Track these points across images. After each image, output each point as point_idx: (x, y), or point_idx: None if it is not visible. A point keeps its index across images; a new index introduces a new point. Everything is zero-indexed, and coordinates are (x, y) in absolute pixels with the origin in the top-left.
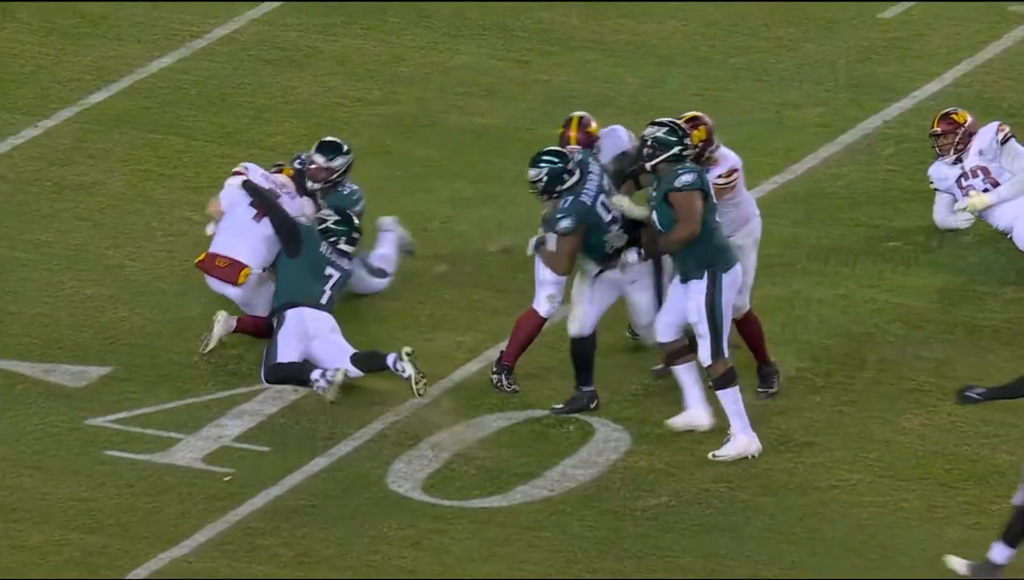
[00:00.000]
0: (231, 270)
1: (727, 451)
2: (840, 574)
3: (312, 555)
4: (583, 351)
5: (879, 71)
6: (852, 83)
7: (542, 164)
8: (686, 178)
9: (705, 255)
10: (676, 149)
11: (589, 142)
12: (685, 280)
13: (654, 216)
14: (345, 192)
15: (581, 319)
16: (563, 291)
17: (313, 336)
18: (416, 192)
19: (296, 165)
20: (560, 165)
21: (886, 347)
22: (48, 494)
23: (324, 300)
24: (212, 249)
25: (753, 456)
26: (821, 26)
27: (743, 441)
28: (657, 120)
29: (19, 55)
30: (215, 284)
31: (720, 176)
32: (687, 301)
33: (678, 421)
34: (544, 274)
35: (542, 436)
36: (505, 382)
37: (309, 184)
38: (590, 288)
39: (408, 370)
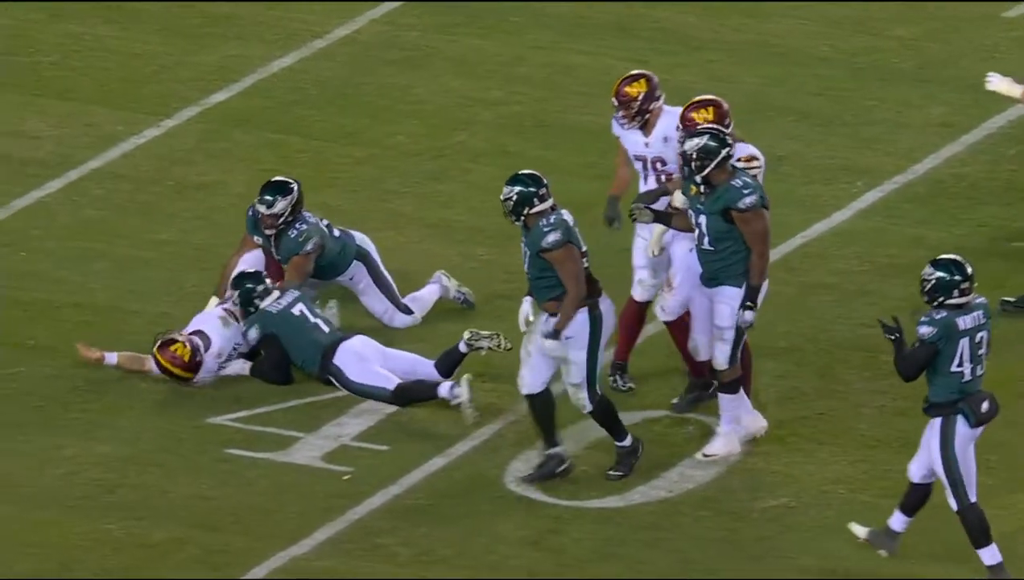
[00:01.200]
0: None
1: (717, 449)
2: (959, 575)
3: (430, 554)
4: (534, 410)
5: (1002, 70)
6: (975, 83)
7: (516, 184)
8: (750, 200)
9: (746, 265)
10: (724, 152)
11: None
12: (717, 284)
13: (702, 224)
14: (292, 235)
15: (524, 377)
16: (656, 274)
17: (371, 358)
18: None
19: (250, 215)
20: (532, 190)
21: (1009, 347)
22: (169, 492)
23: (328, 330)
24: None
25: (734, 455)
26: (944, 25)
27: (732, 439)
28: (692, 131)
29: (143, 55)
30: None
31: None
32: (717, 305)
33: (716, 449)
34: (637, 259)
35: (660, 436)
36: (620, 381)
37: (266, 232)
38: (531, 345)
39: (463, 395)
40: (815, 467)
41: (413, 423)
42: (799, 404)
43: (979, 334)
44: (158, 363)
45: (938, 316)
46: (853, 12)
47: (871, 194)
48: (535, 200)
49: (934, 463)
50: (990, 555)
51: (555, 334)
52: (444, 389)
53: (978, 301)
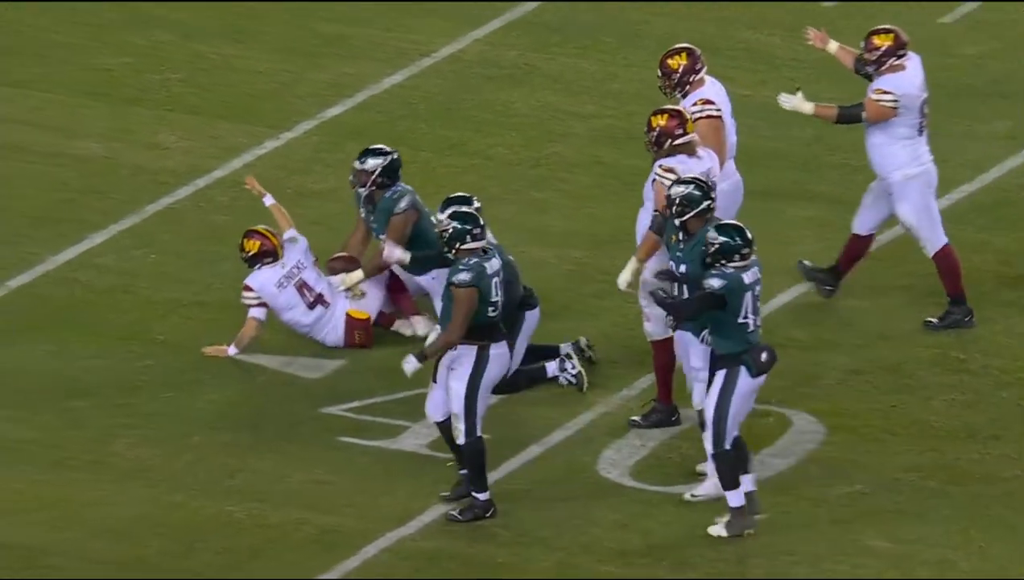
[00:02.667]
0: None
1: (708, 490)
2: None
3: (528, 535)
4: (442, 435)
5: None
6: None
7: (455, 219)
8: (714, 282)
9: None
10: (705, 204)
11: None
12: (702, 328)
13: (684, 272)
14: (387, 195)
15: (429, 401)
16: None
17: None
18: (627, 198)
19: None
20: (467, 228)
21: None
22: (287, 477)
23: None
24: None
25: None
26: (1009, 44)
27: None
28: (680, 178)
29: (264, 73)
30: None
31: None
32: (695, 345)
33: (707, 491)
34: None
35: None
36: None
37: (359, 190)
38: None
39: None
40: (887, 456)
41: (512, 414)
42: (872, 397)
43: (758, 288)
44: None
45: (728, 270)
46: (925, 32)
47: (940, 202)
48: (467, 237)
49: (706, 406)
50: (735, 498)
51: (419, 357)
52: (552, 367)
53: (754, 258)
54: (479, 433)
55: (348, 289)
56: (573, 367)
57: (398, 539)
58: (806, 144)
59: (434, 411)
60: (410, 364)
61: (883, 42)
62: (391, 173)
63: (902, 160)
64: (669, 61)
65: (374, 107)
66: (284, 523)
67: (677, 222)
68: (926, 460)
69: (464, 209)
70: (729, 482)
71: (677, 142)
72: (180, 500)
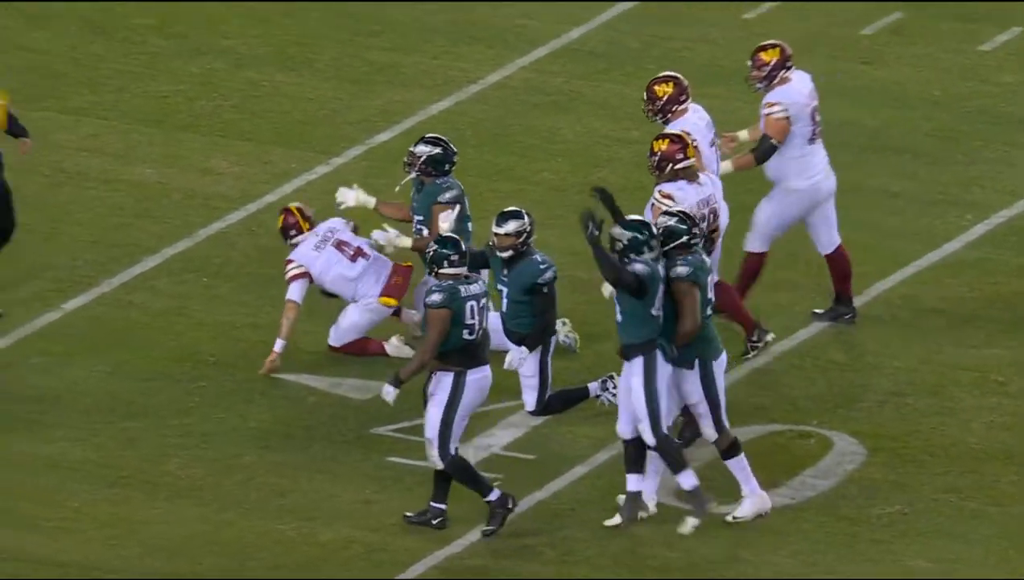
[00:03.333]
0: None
1: (745, 511)
2: None
3: (574, 554)
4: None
5: None
6: None
7: (437, 242)
8: (680, 269)
9: (696, 345)
10: (685, 238)
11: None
12: (678, 365)
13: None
14: (437, 182)
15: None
16: None
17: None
18: None
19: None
20: (446, 252)
21: None
22: (336, 496)
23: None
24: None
25: (767, 513)
26: None
27: (757, 500)
28: (668, 210)
29: (315, 100)
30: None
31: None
32: (684, 384)
33: (745, 512)
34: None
35: (783, 448)
36: (758, 339)
37: (406, 170)
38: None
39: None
40: (927, 477)
41: (556, 434)
42: (912, 419)
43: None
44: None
45: (646, 260)
46: (963, 60)
47: (979, 227)
48: (445, 262)
49: (635, 401)
50: (688, 480)
51: (394, 382)
52: (595, 387)
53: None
54: (453, 452)
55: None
56: (615, 387)
57: (445, 557)
58: (845, 169)
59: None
60: (388, 393)
61: (771, 57)
62: (436, 165)
63: (792, 172)
64: (656, 87)
65: (422, 133)
66: (333, 541)
67: (657, 252)
68: (965, 481)
69: (450, 235)
70: (677, 465)
71: (678, 167)
72: (232, 518)
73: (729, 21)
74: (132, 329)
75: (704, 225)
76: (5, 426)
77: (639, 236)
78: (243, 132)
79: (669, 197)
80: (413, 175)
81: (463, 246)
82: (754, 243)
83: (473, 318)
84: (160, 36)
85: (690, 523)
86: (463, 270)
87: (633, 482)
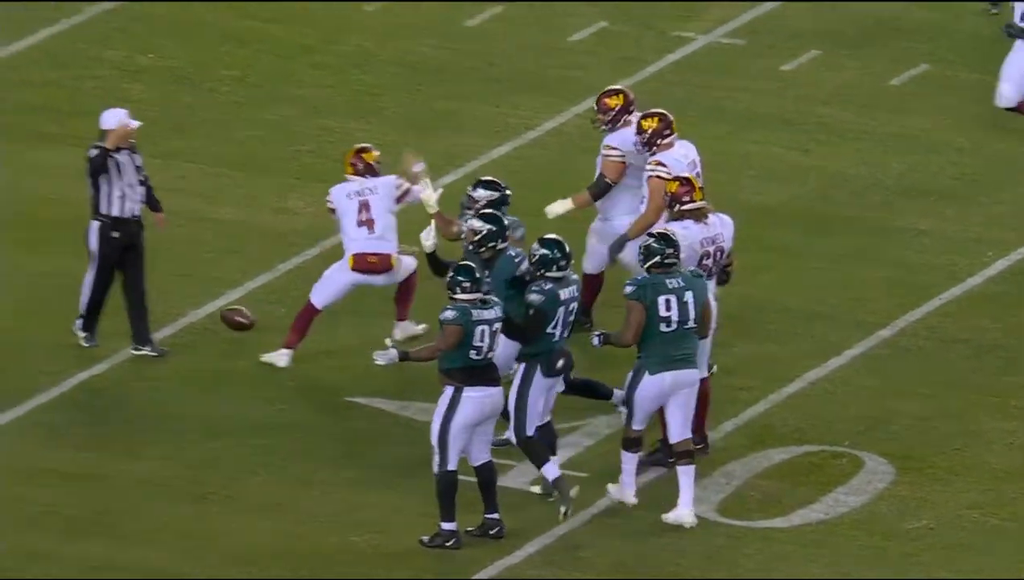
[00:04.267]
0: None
1: (676, 516)
2: None
3: (624, 565)
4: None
5: None
6: None
7: (455, 268)
8: (627, 288)
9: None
10: (658, 258)
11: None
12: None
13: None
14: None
15: None
16: None
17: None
18: None
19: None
20: (459, 279)
21: None
22: (404, 510)
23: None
24: (359, 250)
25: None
26: None
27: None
28: (651, 231)
29: (383, 145)
30: (368, 279)
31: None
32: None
33: (670, 516)
34: None
35: (817, 468)
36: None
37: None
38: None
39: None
40: (951, 494)
41: (611, 453)
42: (938, 441)
43: (572, 305)
44: None
45: (547, 286)
46: (984, 110)
47: (1000, 263)
48: (458, 289)
49: (510, 399)
50: (551, 470)
51: (401, 354)
52: (619, 395)
53: (573, 277)
54: (451, 467)
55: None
56: None
57: (505, 567)
58: (875, 209)
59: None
60: (386, 357)
61: (614, 103)
62: (494, 208)
63: (626, 208)
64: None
65: (483, 176)
66: (401, 552)
67: (643, 267)
68: (987, 499)
69: (465, 262)
70: (539, 460)
71: (685, 208)
72: (307, 531)
73: (769, 73)
74: (217, 356)
75: (710, 261)
76: (101, 445)
77: (550, 254)
78: (318, 174)
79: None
80: (469, 216)
81: (477, 273)
82: (589, 266)
83: (482, 341)
84: (242, 86)
85: (562, 507)
86: (477, 295)
87: (549, 470)
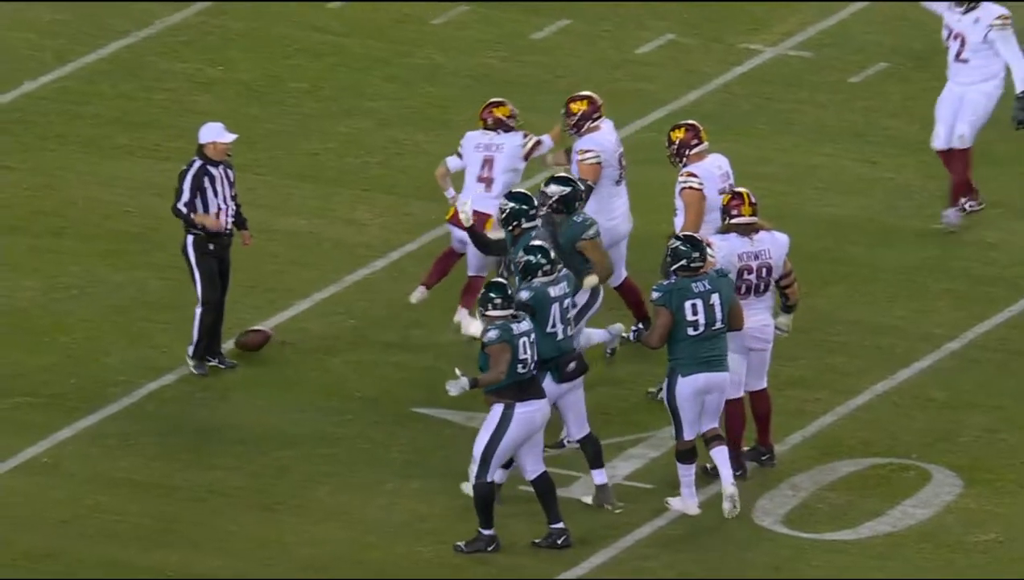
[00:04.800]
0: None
1: (675, 505)
2: None
3: (689, 576)
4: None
5: None
6: None
7: (484, 285)
8: (653, 294)
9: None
10: (684, 261)
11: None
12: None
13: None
14: (576, 218)
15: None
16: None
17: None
18: None
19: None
20: (490, 295)
21: None
22: (471, 520)
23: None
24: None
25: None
26: None
27: (688, 502)
28: (679, 234)
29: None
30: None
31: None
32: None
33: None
34: None
35: (885, 480)
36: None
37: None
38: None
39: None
40: (1020, 507)
41: (674, 466)
42: (1006, 453)
43: (567, 301)
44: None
45: (535, 284)
46: None
47: None
48: (489, 306)
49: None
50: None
51: (471, 382)
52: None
53: (563, 274)
54: (491, 478)
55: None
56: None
57: (573, 578)
58: (938, 222)
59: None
60: (457, 386)
61: (579, 108)
62: (567, 203)
63: (595, 212)
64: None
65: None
66: (468, 563)
67: (670, 270)
68: None
69: (499, 280)
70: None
71: (732, 221)
72: (375, 541)
73: (837, 85)
74: (285, 367)
75: (753, 277)
76: (170, 455)
77: (532, 259)
78: (386, 186)
79: (709, 245)
80: (543, 212)
81: (509, 290)
82: (616, 280)
83: (525, 353)
84: (311, 99)
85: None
86: (510, 311)
87: (599, 477)
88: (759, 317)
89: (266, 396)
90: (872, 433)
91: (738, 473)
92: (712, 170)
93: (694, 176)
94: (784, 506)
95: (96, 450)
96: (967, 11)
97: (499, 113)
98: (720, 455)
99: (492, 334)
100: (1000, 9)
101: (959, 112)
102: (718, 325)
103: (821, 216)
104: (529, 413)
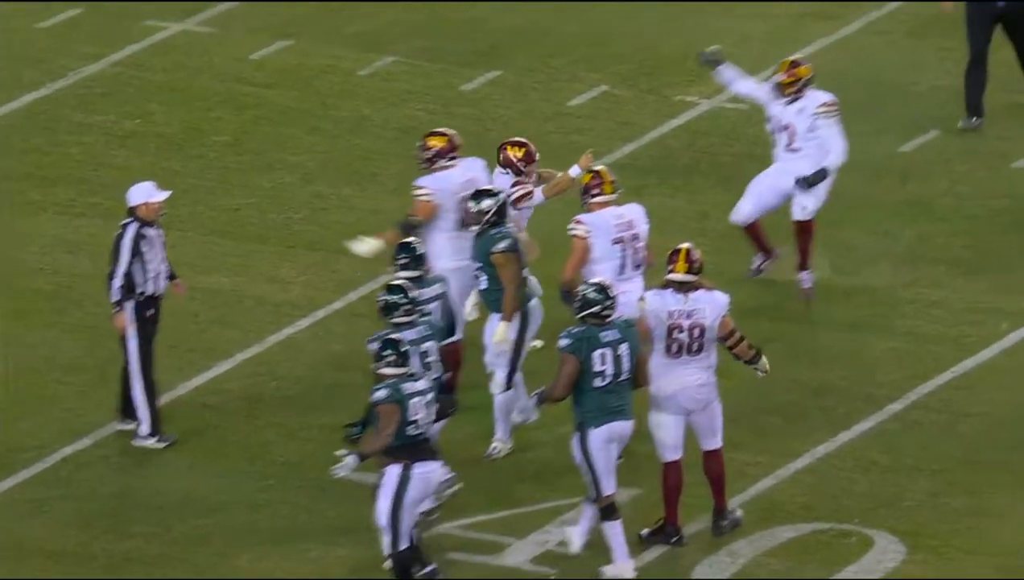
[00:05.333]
0: None
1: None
2: None
3: None
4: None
5: None
6: None
7: (380, 341)
8: (560, 341)
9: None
10: (596, 309)
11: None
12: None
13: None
14: (493, 232)
15: None
16: None
17: None
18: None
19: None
20: (386, 354)
21: None
22: None
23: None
24: None
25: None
26: None
27: (622, 567)
28: (591, 281)
29: (379, 211)
30: None
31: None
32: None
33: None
34: None
35: (826, 545)
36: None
37: (471, 229)
38: None
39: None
40: (965, 574)
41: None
42: (950, 518)
43: (424, 345)
44: None
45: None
46: (997, 177)
47: (1014, 335)
48: (383, 364)
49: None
50: None
51: (359, 455)
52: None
53: (423, 319)
54: (405, 544)
55: None
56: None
57: None
58: (882, 279)
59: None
60: (344, 467)
61: (435, 143)
62: (502, 213)
63: (446, 252)
64: (509, 151)
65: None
66: None
67: (577, 317)
68: (1003, 576)
69: (391, 336)
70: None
71: (669, 277)
72: None
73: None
74: (206, 430)
75: (684, 336)
76: (86, 523)
77: (390, 298)
78: (311, 242)
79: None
80: (477, 230)
81: (403, 346)
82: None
83: (417, 414)
84: (233, 152)
85: None
86: (405, 370)
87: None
88: (695, 377)
89: (186, 460)
90: (813, 497)
91: (673, 540)
92: (607, 220)
93: (581, 223)
94: (723, 572)
95: (7, 518)
96: (791, 101)
97: (510, 152)
98: (614, 530)
99: (381, 393)
100: (824, 96)
101: (780, 191)
102: (624, 376)
103: (765, 273)
104: (426, 474)
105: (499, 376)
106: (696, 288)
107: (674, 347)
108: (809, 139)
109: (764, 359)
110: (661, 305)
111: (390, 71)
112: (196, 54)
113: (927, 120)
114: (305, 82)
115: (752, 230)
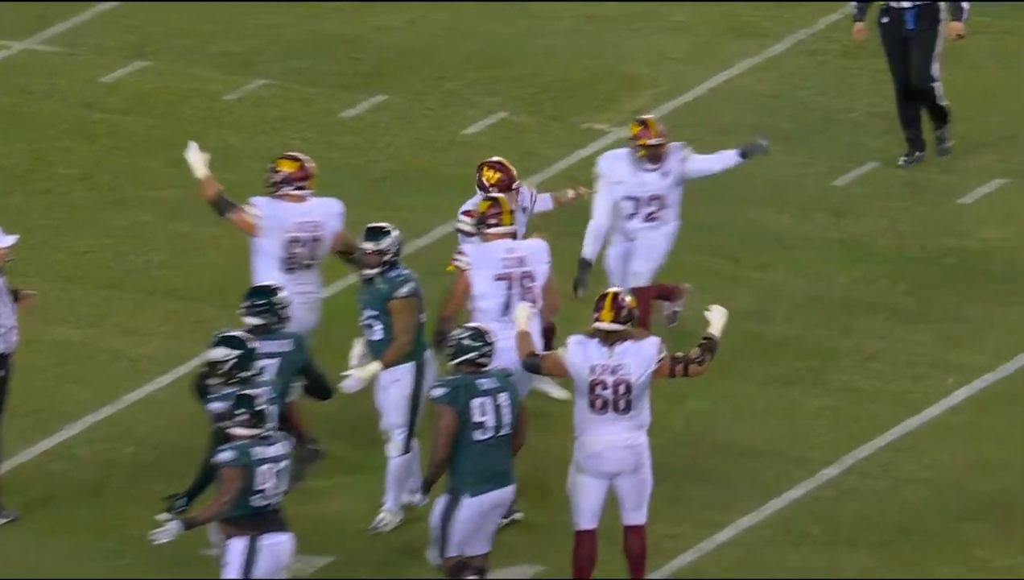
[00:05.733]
0: None
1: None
2: None
3: None
4: None
5: None
6: None
7: (235, 397)
8: (436, 391)
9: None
10: (472, 355)
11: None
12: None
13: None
14: (392, 275)
15: None
16: None
17: None
18: None
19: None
20: (239, 411)
21: None
22: None
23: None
24: None
25: None
26: None
27: None
28: (468, 326)
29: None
30: None
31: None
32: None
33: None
34: None
35: None
36: None
37: (364, 272)
38: None
39: None
40: None
41: None
42: None
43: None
44: None
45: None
46: (941, 214)
47: (961, 391)
48: (237, 425)
49: None
50: None
51: (186, 522)
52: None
53: (262, 379)
54: None
55: None
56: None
57: None
58: (813, 329)
59: None
60: (167, 533)
61: (284, 167)
62: (399, 251)
63: (265, 276)
64: (487, 173)
65: (340, 292)
66: None
67: (451, 364)
68: None
69: (246, 391)
70: None
71: (595, 325)
72: None
73: None
74: (52, 501)
75: (607, 392)
76: None
77: (233, 350)
78: (172, 288)
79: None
80: (374, 273)
81: (256, 404)
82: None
83: (265, 483)
84: (83, 187)
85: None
86: (260, 431)
87: None
88: (621, 436)
89: (30, 536)
90: (739, 573)
91: None
92: (496, 253)
93: (463, 254)
94: None
95: None
96: (655, 167)
97: (485, 176)
98: None
99: (226, 455)
100: (677, 145)
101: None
102: (505, 430)
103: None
104: (275, 546)
105: (397, 438)
106: (624, 338)
107: (598, 403)
108: (673, 196)
109: (716, 312)
110: (583, 359)
111: (261, 96)
112: (40, 76)
113: (863, 151)
114: (165, 108)
115: (650, 290)
